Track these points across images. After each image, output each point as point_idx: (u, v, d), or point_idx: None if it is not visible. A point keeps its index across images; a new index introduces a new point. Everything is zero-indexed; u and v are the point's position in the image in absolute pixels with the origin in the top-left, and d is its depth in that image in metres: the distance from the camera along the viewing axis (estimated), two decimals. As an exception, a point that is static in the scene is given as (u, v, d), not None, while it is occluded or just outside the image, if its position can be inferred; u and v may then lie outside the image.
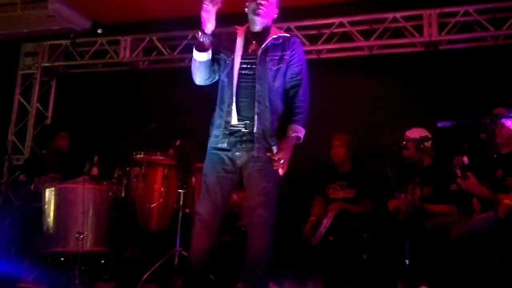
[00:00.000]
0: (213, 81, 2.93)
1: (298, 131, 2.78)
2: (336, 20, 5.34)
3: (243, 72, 2.81)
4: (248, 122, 2.76)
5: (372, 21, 5.28)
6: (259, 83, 2.77)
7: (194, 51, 2.79)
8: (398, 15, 5.15)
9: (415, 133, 3.95)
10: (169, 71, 5.89)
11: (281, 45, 2.86)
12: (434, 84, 4.96)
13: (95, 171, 4.37)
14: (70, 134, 5.16)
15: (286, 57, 2.84)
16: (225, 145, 2.79)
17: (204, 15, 2.66)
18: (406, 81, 5.07)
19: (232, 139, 2.78)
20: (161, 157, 4.45)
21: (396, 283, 3.58)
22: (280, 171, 2.68)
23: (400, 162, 4.04)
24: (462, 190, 3.43)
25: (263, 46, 2.83)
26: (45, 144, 5.29)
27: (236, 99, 2.78)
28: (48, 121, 6.34)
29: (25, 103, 6.38)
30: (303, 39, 5.41)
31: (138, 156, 4.43)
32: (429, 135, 3.90)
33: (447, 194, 3.74)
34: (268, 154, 2.68)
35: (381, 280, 3.72)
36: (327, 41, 5.41)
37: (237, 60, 2.82)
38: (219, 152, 2.81)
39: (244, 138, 2.77)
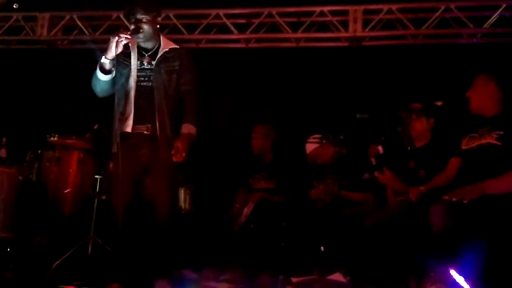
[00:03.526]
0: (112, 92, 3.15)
1: (191, 129, 3.07)
2: (265, 10, 5.34)
3: (140, 84, 3.11)
4: (149, 126, 3.08)
5: (300, 14, 5.33)
6: (157, 93, 3.08)
7: (98, 72, 3.06)
8: (326, 9, 5.23)
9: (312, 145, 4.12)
10: (89, 51, 5.61)
11: (172, 57, 3.16)
12: (355, 78, 5.10)
13: (3, 153, 4.12)
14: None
15: (177, 67, 3.16)
16: (130, 147, 3.07)
17: (113, 44, 2.95)
18: (329, 75, 5.18)
19: (135, 140, 3.09)
20: (76, 141, 4.24)
21: (313, 269, 3.65)
22: (176, 159, 2.98)
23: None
24: (375, 179, 3.54)
25: (157, 59, 3.13)
26: None
27: (135, 108, 3.08)
28: (-46, 99, 5.88)
29: None
30: (232, 27, 5.37)
31: (51, 139, 4.20)
32: (324, 142, 4.05)
33: (361, 183, 3.86)
34: (172, 152, 2.97)
35: (299, 267, 3.76)
36: (256, 30, 5.40)
37: (133, 73, 3.11)
38: (124, 154, 3.05)
39: (146, 139, 3.10)
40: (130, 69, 3.12)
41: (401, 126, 3.55)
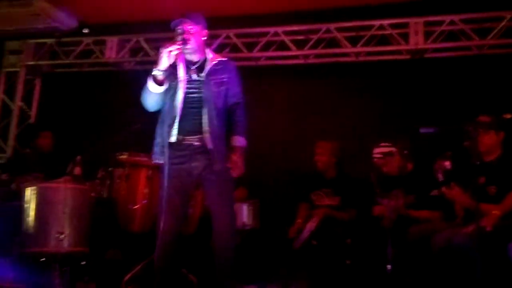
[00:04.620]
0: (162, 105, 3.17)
1: (243, 142, 3.13)
2: (323, 26, 5.37)
3: (189, 95, 3.11)
4: (200, 137, 3.08)
5: (359, 28, 5.32)
6: (206, 105, 3.09)
7: (151, 84, 3.06)
8: (385, 22, 5.20)
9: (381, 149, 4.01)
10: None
11: (221, 69, 3.18)
12: (418, 91, 5.01)
13: (77, 171, 4.32)
14: (53, 134, 5.09)
15: (225, 79, 3.17)
16: (181, 160, 3.09)
17: (164, 56, 2.96)
18: (391, 88, 5.11)
19: (187, 152, 3.10)
20: (145, 158, 4.40)
21: (378, 288, 3.60)
22: (235, 174, 3.04)
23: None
24: (443, 196, 3.45)
25: (205, 70, 3.15)
26: (28, 143, 5.22)
27: (184, 119, 3.09)
28: (32, 120, 6.25)
29: (8, 101, 6.29)
30: (290, 44, 5.44)
31: (121, 156, 4.38)
32: (393, 150, 3.94)
33: (429, 199, 3.76)
34: (230, 166, 3.02)
35: (363, 286, 3.72)
36: (315, 46, 5.43)
37: (182, 85, 3.11)
38: (174, 167, 3.06)
39: (198, 151, 3.10)
40: (178, 81, 3.12)
41: (469, 141, 3.45)
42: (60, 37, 6.05)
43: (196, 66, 3.18)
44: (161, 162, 3.09)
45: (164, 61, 2.97)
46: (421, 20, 5.08)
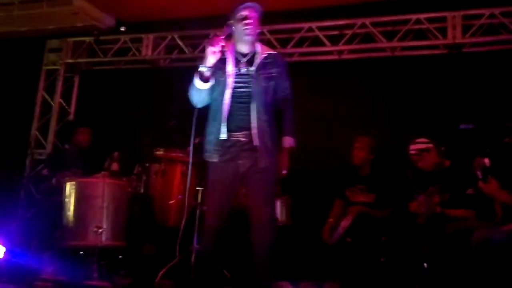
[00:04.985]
0: (209, 101, 3.15)
1: (291, 142, 3.15)
2: (358, 21, 5.31)
3: (237, 89, 3.06)
4: (247, 133, 3.04)
5: (394, 23, 5.23)
6: (254, 99, 3.04)
7: (197, 81, 3.01)
8: (422, 16, 5.10)
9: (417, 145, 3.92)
10: (190, 69, 5.90)
11: (271, 63, 3.12)
12: (457, 86, 4.89)
13: (115, 166, 4.43)
14: (91, 130, 5.19)
15: (275, 74, 3.12)
16: (216, 160, 3.08)
17: (210, 53, 2.91)
18: (429, 83, 5.01)
19: (234, 149, 3.05)
20: (180, 154, 4.47)
21: (414, 286, 3.54)
22: (279, 174, 3.11)
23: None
24: (479, 194, 3.37)
25: (255, 64, 3.09)
26: (67, 139, 5.35)
27: (230, 116, 3.04)
28: (71, 117, 6.41)
29: (48, 98, 6.47)
30: (324, 40, 5.40)
31: (157, 152, 4.46)
32: (430, 146, 3.85)
33: (464, 198, 3.66)
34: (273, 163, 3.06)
35: (399, 284, 3.67)
36: (349, 41, 5.38)
37: (230, 78, 3.05)
38: (221, 164, 3.08)
39: (245, 147, 3.05)
40: (226, 76, 3.07)
41: (510, 137, 3.36)
42: (98, 35, 6.17)
43: (246, 59, 3.11)
44: (214, 160, 3.08)
45: (211, 57, 2.92)
46: (459, 13, 4.95)
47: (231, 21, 3.09)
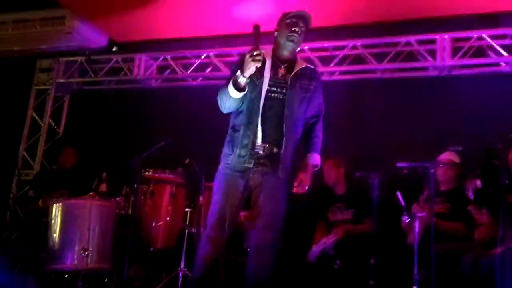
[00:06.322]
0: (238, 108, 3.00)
1: (318, 160, 3.01)
2: (349, 43, 5.34)
3: (271, 95, 2.96)
4: (273, 143, 2.92)
5: (385, 45, 5.27)
6: (288, 107, 2.93)
7: (232, 89, 2.86)
8: (412, 38, 5.13)
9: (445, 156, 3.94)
10: (181, 89, 5.92)
11: (308, 75, 3.05)
12: (446, 108, 4.89)
13: (103, 187, 4.38)
14: (78, 150, 5.11)
15: (311, 87, 3.04)
16: (251, 165, 2.90)
17: (251, 65, 2.76)
18: (418, 105, 5.01)
19: (254, 159, 2.91)
20: (169, 175, 4.43)
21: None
22: (297, 190, 2.92)
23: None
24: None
25: (294, 72, 3.00)
26: (54, 159, 5.29)
27: (262, 120, 2.92)
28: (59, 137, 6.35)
29: (37, 118, 6.43)
30: (316, 60, 5.41)
31: (146, 173, 4.41)
32: (456, 160, 3.86)
33: (463, 212, 3.61)
34: (295, 184, 2.90)
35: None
36: (340, 63, 5.40)
37: (266, 82, 2.95)
38: (235, 172, 2.93)
39: (262, 160, 2.92)
40: (264, 79, 2.95)
41: (497, 159, 3.35)
42: (89, 55, 6.17)
43: (285, 65, 3.02)
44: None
45: (251, 68, 2.78)
46: (448, 36, 4.98)
47: (277, 27, 3.06)
